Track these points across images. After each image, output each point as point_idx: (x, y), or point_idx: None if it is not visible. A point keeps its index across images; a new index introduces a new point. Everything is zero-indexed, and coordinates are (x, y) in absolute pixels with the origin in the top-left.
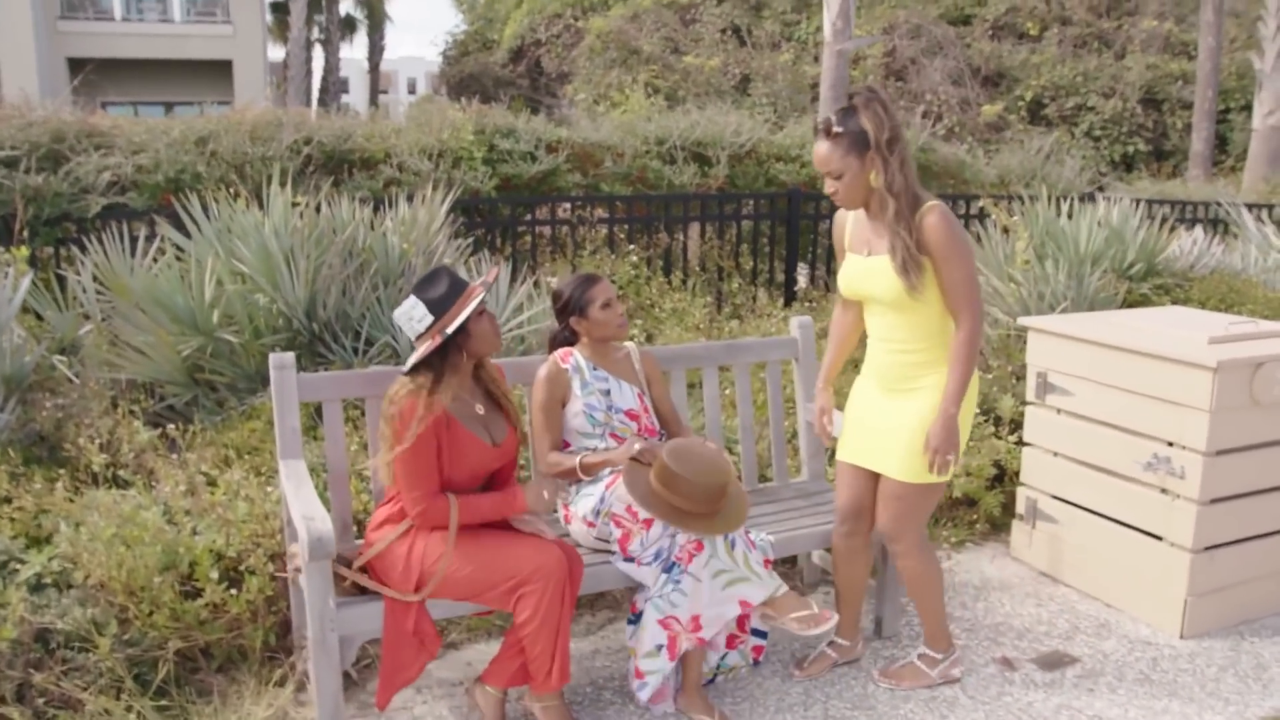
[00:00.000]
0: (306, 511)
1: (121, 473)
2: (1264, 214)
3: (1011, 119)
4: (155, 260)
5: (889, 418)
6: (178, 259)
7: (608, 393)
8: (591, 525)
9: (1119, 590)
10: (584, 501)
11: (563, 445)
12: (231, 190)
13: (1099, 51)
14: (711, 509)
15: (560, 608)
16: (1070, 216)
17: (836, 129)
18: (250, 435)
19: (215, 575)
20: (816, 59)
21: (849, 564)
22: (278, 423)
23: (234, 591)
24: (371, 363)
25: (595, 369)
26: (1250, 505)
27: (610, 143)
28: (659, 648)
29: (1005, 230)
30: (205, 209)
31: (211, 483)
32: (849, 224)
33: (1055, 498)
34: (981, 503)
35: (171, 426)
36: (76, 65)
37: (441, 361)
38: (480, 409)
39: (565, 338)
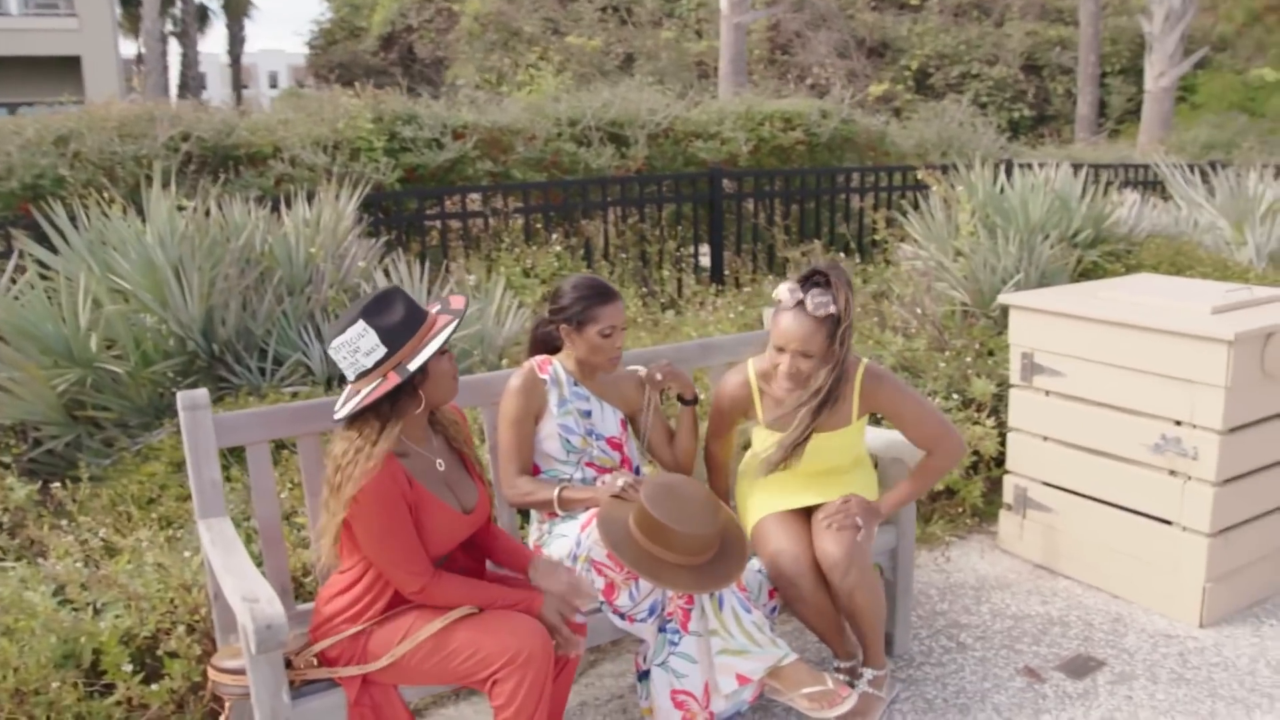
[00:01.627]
0: (247, 591)
1: None
2: (1192, 173)
3: (899, 89)
4: (15, 281)
5: (828, 458)
6: (43, 278)
7: (588, 414)
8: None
9: (1126, 580)
10: (558, 543)
11: (533, 470)
12: (104, 195)
13: (979, 20)
14: (697, 560)
15: (540, 697)
16: (1010, 184)
17: (830, 309)
18: (150, 481)
19: (128, 665)
20: (699, 35)
21: (817, 612)
22: (193, 476)
23: (153, 685)
24: (282, 383)
25: (576, 385)
26: (1261, 482)
27: (519, 126)
28: None
29: (945, 202)
30: (73, 218)
31: (111, 550)
32: (760, 402)
33: (1047, 484)
34: (962, 493)
35: (56, 486)
36: None
37: (391, 409)
38: (441, 464)
39: (547, 336)
